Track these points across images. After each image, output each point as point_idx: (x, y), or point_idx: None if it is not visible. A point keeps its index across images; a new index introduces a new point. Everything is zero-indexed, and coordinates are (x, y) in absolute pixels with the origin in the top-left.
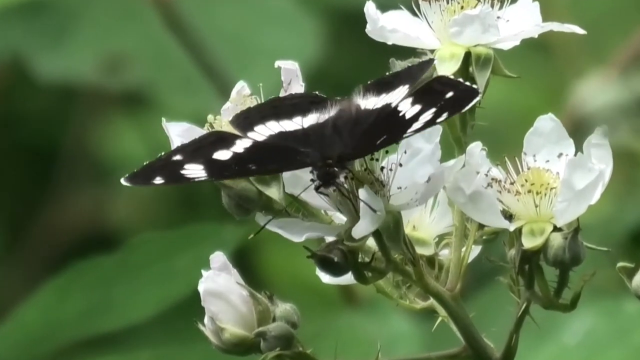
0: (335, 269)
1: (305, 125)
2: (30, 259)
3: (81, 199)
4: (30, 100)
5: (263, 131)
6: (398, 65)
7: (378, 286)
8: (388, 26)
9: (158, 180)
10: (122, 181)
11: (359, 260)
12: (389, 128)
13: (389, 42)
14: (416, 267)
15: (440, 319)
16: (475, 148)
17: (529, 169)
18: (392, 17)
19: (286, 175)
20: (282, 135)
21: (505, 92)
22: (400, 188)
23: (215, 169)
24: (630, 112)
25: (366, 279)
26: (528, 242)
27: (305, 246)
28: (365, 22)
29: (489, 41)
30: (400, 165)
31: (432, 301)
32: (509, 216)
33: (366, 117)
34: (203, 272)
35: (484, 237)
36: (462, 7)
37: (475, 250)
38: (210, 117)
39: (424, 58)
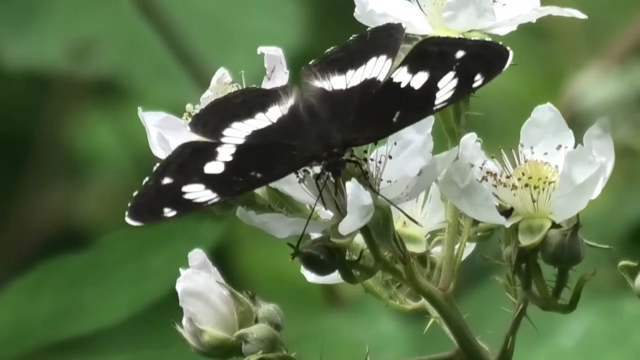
0: (321, 268)
1: (274, 119)
2: None
3: (52, 194)
4: None
5: (234, 134)
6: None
7: (366, 286)
8: (377, 10)
9: (169, 213)
10: (129, 221)
11: (346, 258)
12: (400, 103)
13: None
14: (407, 265)
15: (432, 320)
16: (470, 139)
17: (526, 161)
18: (381, 0)
19: None
20: (258, 133)
21: (501, 81)
22: (390, 181)
23: (220, 186)
24: (630, 106)
25: (354, 278)
26: (525, 240)
27: (289, 243)
28: (352, 5)
29: (484, 26)
30: (390, 157)
31: (423, 301)
32: (504, 211)
33: (348, 98)
34: (181, 270)
35: (478, 234)
36: None
37: (469, 247)
38: (189, 107)
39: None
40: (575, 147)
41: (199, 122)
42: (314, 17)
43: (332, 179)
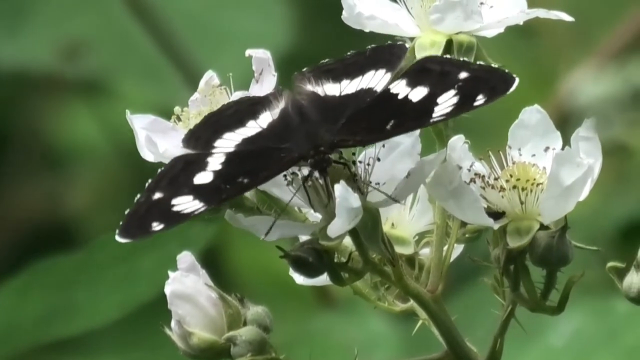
0: (309, 270)
1: (265, 125)
2: None
3: (35, 188)
4: None
5: (225, 144)
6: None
7: (355, 287)
8: (365, 13)
9: (157, 227)
10: (118, 239)
11: (335, 260)
12: (395, 112)
13: (367, 30)
14: (395, 267)
15: (420, 321)
16: (458, 141)
17: (513, 163)
18: (369, 3)
19: None
20: (248, 140)
21: None
22: (378, 184)
23: (208, 195)
24: (624, 104)
25: (342, 280)
26: (513, 241)
27: (278, 246)
28: (340, 7)
29: (471, 29)
30: (378, 159)
31: (412, 303)
32: (493, 213)
33: (340, 103)
34: (170, 273)
35: (466, 236)
36: None
37: (458, 249)
38: (177, 109)
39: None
40: (563, 148)
41: (192, 138)
42: (302, 19)
43: (320, 180)
